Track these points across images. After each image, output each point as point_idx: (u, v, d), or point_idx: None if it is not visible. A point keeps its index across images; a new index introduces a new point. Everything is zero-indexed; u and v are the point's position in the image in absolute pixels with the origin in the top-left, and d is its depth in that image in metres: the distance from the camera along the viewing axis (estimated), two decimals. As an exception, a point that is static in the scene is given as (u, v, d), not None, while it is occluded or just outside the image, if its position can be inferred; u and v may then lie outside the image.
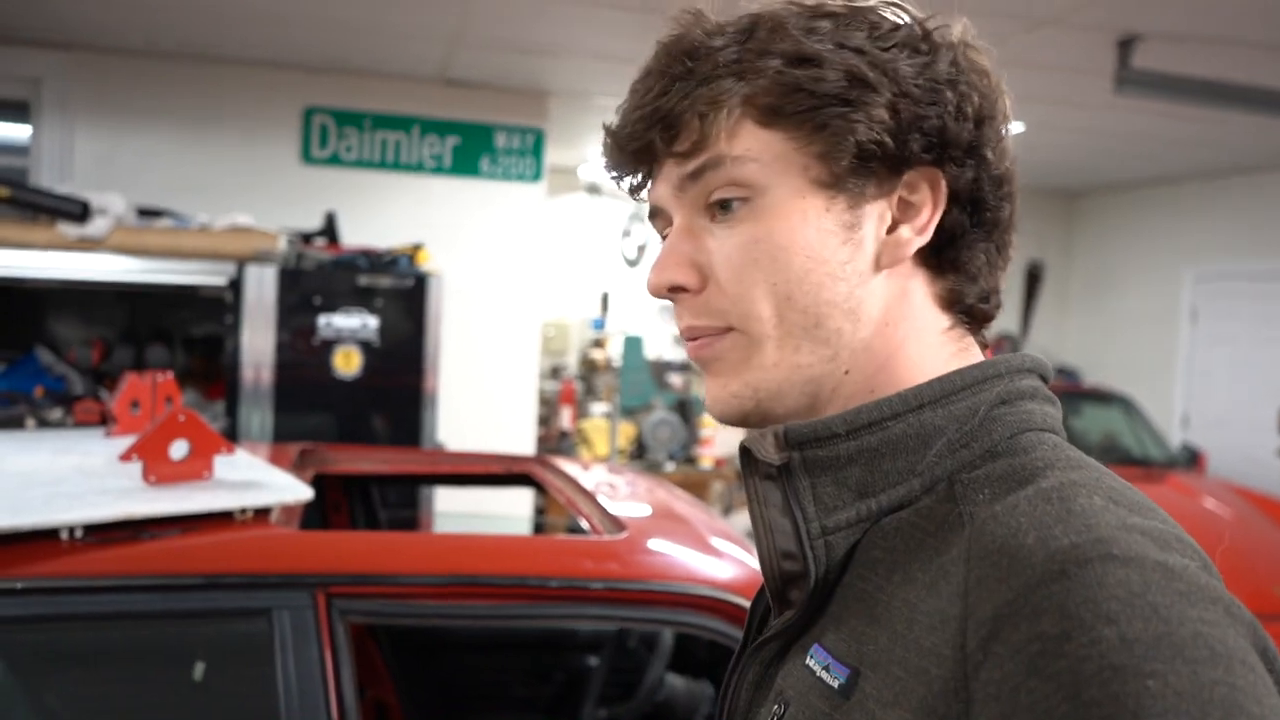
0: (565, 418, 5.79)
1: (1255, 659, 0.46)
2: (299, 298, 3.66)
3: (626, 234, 7.52)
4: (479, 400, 4.79)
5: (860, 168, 0.61)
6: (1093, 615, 0.45)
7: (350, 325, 3.71)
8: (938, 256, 0.64)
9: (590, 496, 2.15)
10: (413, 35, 4.25)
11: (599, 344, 6.87)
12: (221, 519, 1.61)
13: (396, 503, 3.56)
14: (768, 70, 0.61)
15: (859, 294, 0.63)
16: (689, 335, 0.67)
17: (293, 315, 3.66)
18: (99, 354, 3.81)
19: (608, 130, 0.67)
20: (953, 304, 0.65)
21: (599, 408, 6.14)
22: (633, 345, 6.00)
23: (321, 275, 3.71)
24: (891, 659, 0.55)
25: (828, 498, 0.61)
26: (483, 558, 1.61)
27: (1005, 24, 3.71)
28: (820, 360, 0.63)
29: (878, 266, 0.63)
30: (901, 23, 0.64)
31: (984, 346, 0.68)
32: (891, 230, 0.63)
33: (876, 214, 0.63)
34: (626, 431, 5.53)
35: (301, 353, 3.67)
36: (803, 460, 0.61)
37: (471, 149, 4.88)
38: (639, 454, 5.50)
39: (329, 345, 3.70)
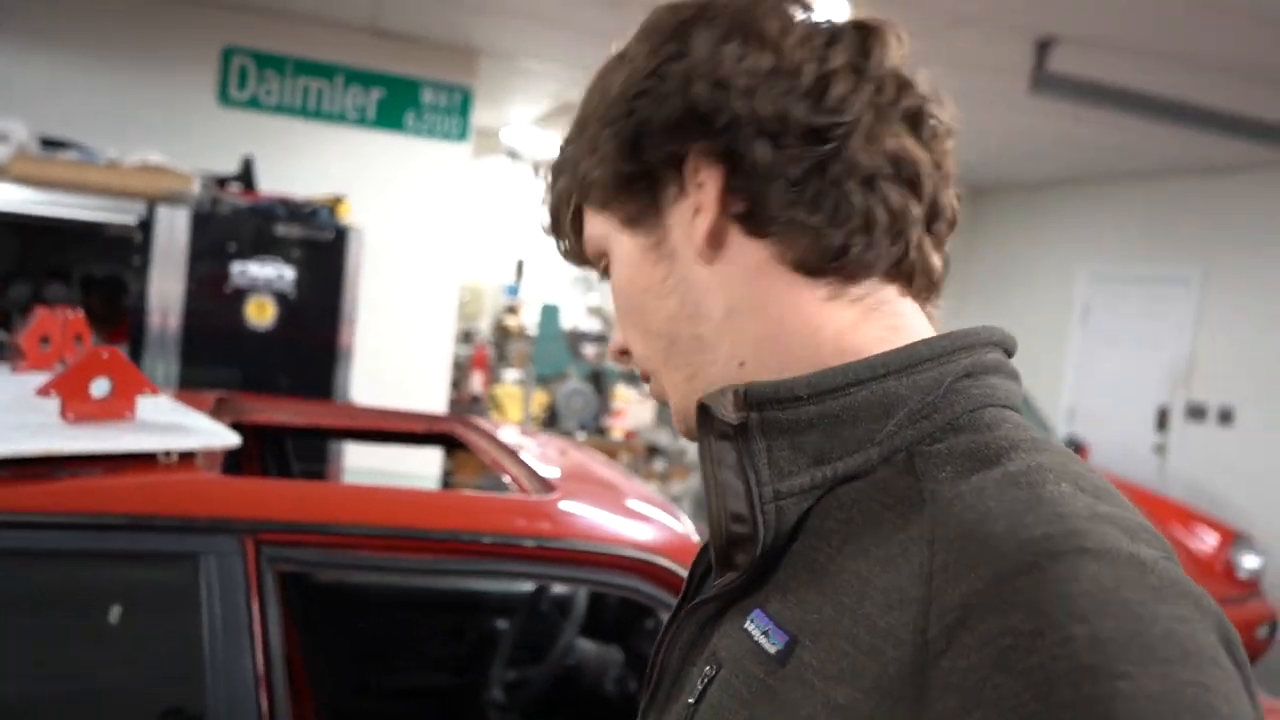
0: (477, 382, 5.75)
1: (1224, 655, 0.46)
2: (212, 243, 3.54)
3: (544, 201, 7.49)
4: (393, 359, 4.72)
5: (631, 194, 0.65)
6: (1065, 612, 0.45)
7: (265, 275, 3.61)
8: (750, 223, 0.62)
9: (516, 457, 2.15)
10: (343, -20, 4.14)
11: (513, 310, 6.84)
12: (145, 461, 1.57)
13: (305, 457, 3.50)
14: (569, 155, 0.69)
15: (692, 297, 0.64)
16: (643, 381, 0.73)
17: (204, 261, 3.55)
18: (-8, 289, 3.64)
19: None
20: (805, 264, 0.62)
21: (511, 374, 6.12)
22: (549, 314, 5.99)
23: (237, 221, 3.60)
24: (837, 631, 0.54)
25: (783, 461, 0.60)
26: (416, 511, 1.61)
27: (927, 20, 3.80)
28: (701, 369, 0.65)
29: (700, 261, 0.64)
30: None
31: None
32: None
33: (680, 216, 0.64)
34: (540, 399, 5.53)
35: (212, 300, 3.56)
36: (761, 421, 0.60)
37: (397, 103, 4.79)
38: (551, 422, 5.50)
39: (242, 294, 3.60)
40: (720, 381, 0.64)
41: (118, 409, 1.68)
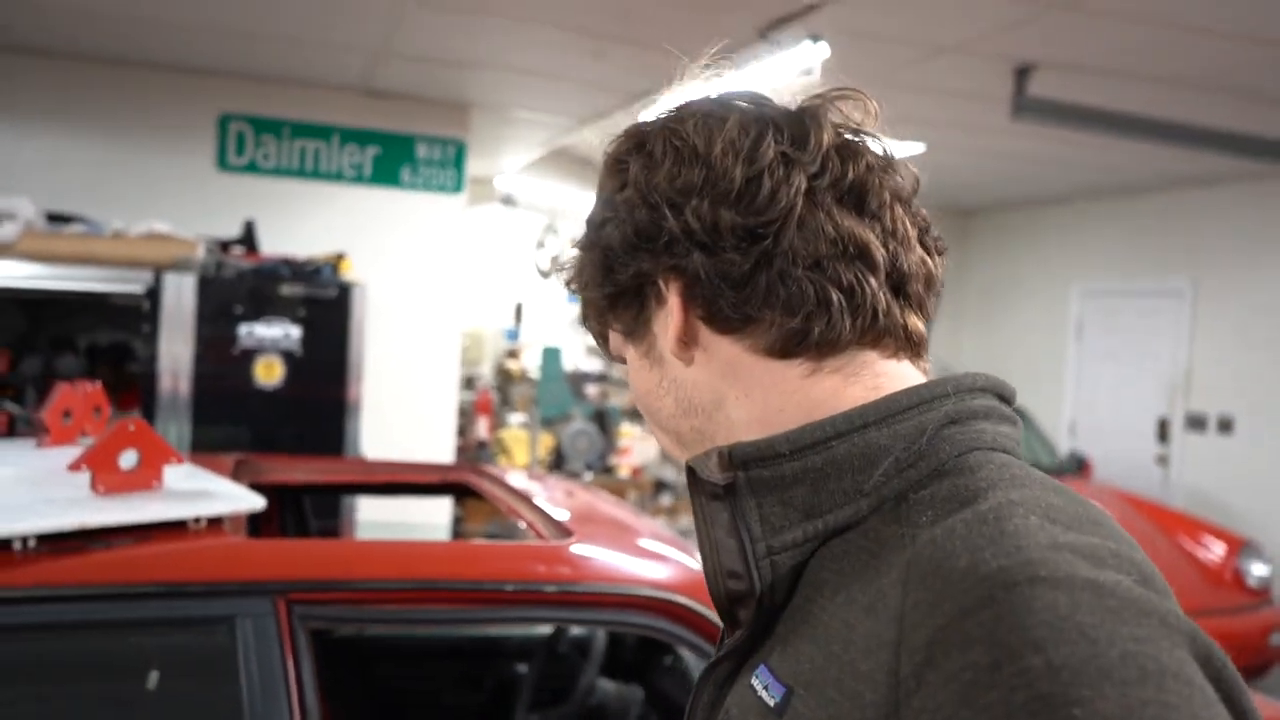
0: (482, 427, 5.80)
1: (1193, 670, 0.46)
2: (218, 306, 3.61)
3: (540, 245, 7.56)
4: (399, 410, 4.78)
5: (616, 311, 0.72)
6: (1020, 642, 0.45)
7: (272, 335, 3.67)
8: (715, 323, 0.67)
9: (531, 503, 2.20)
10: (338, 46, 4.24)
11: (514, 354, 6.90)
12: (175, 528, 1.62)
13: (319, 513, 3.54)
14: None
15: (684, 396, 0.70)
16: None
17: (212, 324, 3.61)
18: (5, 363, 3.69)
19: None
20: (783, 349, 0.65)
21: (516, 418, 6.16)
22: (551, 356, 6.05)
23: (242, 284, 3.67)
24: (826, 679, 0.55)
25: (774, 518, 0.61)
26: (440, 563, 1.65)
27: (908, 50, 3.90)
28: (701, 453, 0.68)
29: (683, 363, 0.69)
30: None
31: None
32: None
33: (661, 325, 0.70)
34: (545, 442, 5.57)
35: (221, 362, 3.62)
36: (748, 480, 0.62)
37: (392, 159, 4.88)
38: (557, 464, 5.54)
39: (250, 355, 3.66)
40: None
41: (146, 479, 1.73)
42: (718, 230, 0.65)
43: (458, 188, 5.01)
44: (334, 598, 1.54)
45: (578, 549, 1.80)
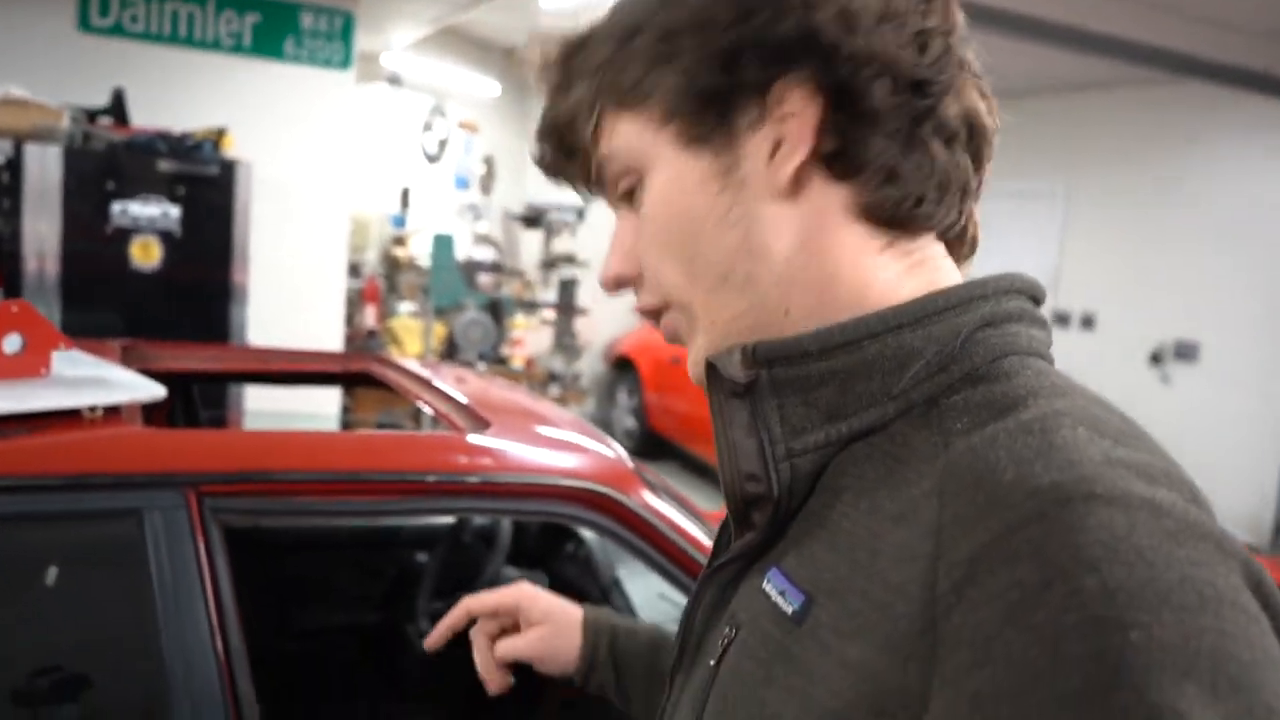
0: (370, 316, 5.64)
1: (1248, 598, 0.45)
2: (87, 181, 3.36)
3: (428, 127, 7.29)
4: (284, 297, 4.59)
5: (708, 112, 0.60)
6: (1074, 562, 0.43)
7: (149, 214, 3.45)
8: (838, 165, 0.59)
9: (443, 394, 2.15)
10: (209, -103, 3.89)
11: (400, 241, 6.69)
12: (69, 418, 1.52)
13: (205, 403, 3.40)
14: (602, 60, 0.63)
15: (757, 232, 0.61)
16: (647, 316, 0.68)
17: (80, 200, 3.36)
18: None
19: (537, 160, 0.71)
20: (876, 213, 0.60)
21: (405, 306, 6.02)
22: (443, 244, 5.89)
23: (113, 158, 3.41)
24: (851, 589, 0.53)
25: (795, 419, 0.58)
26: (359, 454, 1.60)
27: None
28: (748, 309, 0.62)
29: (773, 197, 0.60)
30: None
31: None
32: (774, 154, 0.60)
33: (754, 143, 0.60)
34: (437, 331, 5.47)
35: (92, 242, 3.39)
36: (770, 379, 0.59)
37: (274, 28, 4.56)
38: (450, 353, 5.46)
39: (124, 235, 3.43)
40: (766, 325, 0.62)
41: (33, 365, 1.61)
42: (897, 69, 0.58)
43: (345, 63, 4.74)
44: (248, 489, 1.48)
45: (497, 439, 1.77)
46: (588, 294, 7.37)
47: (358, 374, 2.53)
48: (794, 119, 0.59)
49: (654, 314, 0.68)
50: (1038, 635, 0.42)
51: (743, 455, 0.60)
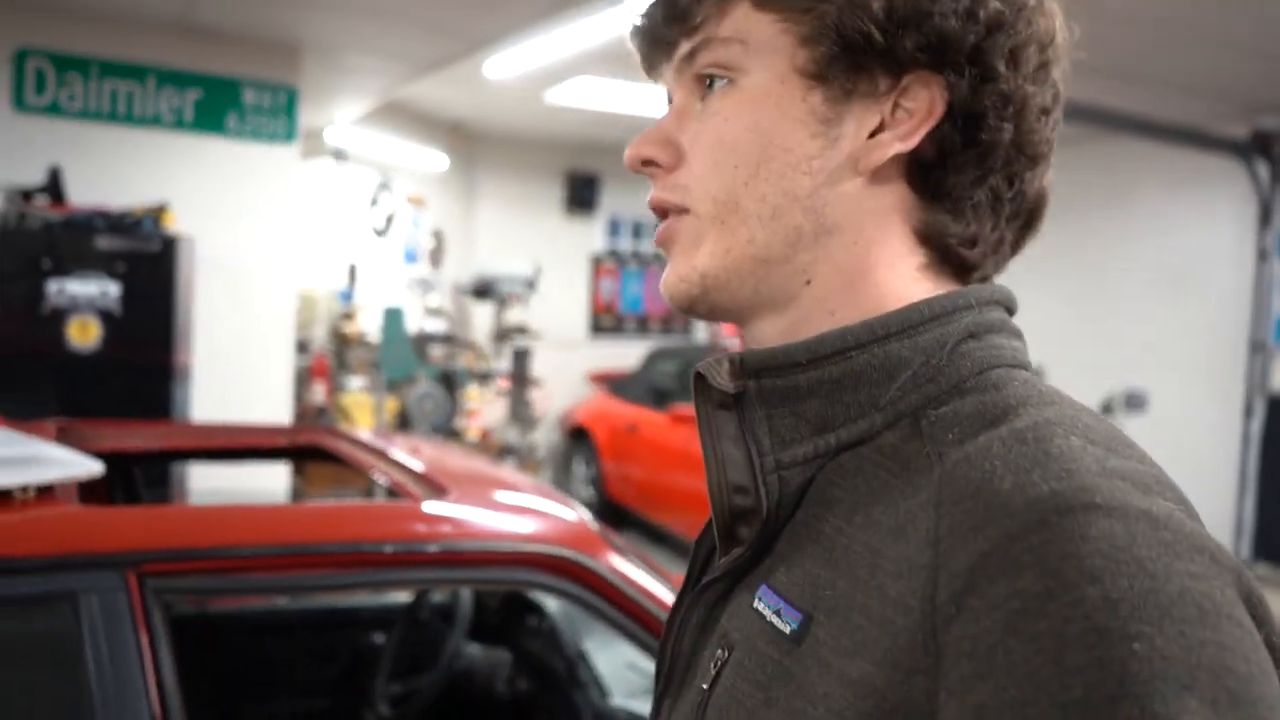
0: (319, 392, 5.53)
1: (1241, 611, 0.45)
2: (22, 261, 3.26)
3: (374, 202, 7.26)
4: (230, 376, 4.48)
5: (845, 59, 0.57)
6: (1076, 572, 0.43)
7: (87, 292, 3.35)
8: (924, 177, 0.59)
9: (396, 462, 2.08)
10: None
11: (349, 316, 6.60)
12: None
13: (147, 484, 3.28)
14: None
15: (824, 193, 0.59)
16: (656, 212, 0.65)
17: (14, 281, 3.26)
18: None
19: (633, 24, 0.65)
20: (932, 238, 0.60)
21: (355, 381, 5.91)
22: (393, 317, 5.82)
23: (49, 236, 3.33)
24: (851, 606, 0.51)
25: (784, 430, 0.57)
26: (311, 525, 1.53)
27: None
28: (776, 257, 0.60)
29: (855, 171, 0.59)
30: None
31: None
32: (875, 134, 0.58)
33: (862, 113, 0.58)
34: (389, 406, 5.37)
35: (26, 323, 3.27)
36: (759, 389, 0.58)
37: (217, 104, 4.52)
38: (403, 427, 5.35)
39: (61, 314, 3.33)
40: (780, 280, 0.60)
41: (-41, 444, 1.52)
42: (1026, 123, 0.59)
43: (289, 137, 4.70)
44: (193, 567, 1.40)
45: (456, 506, 1.71)
46: (541, 364, 7.32)
47: (306, 447, 2.45)
48: (912, 112, 0.58)
49: (662, 211, 0.64)
50: (1040, 645, 0.42)
51: (731, 467, 0.59)
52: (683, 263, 0.62)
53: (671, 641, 0.66)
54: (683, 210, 0.62)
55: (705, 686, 0.60)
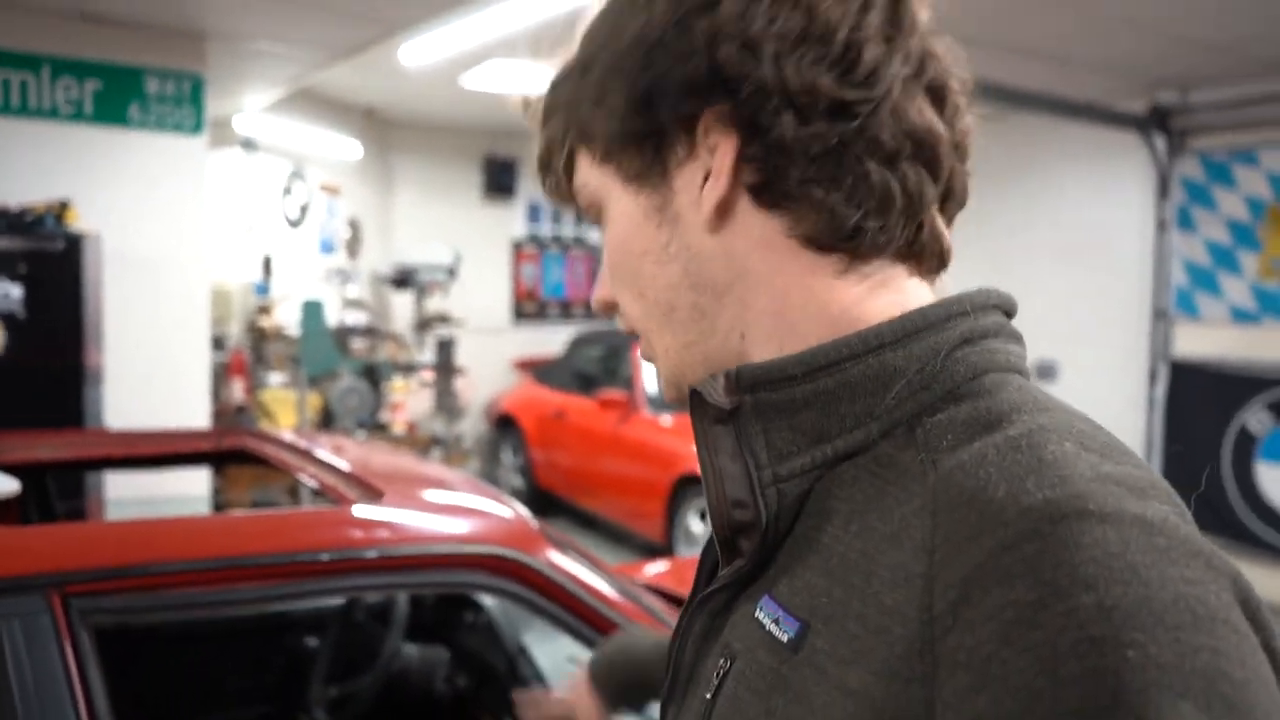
0: (238, 390, 5.39)
1: (1238, 616, 0.45)
2: (-86, 265, 3.10)
3: (288, 192, 7.08)
4: (142, 376, 4.32)
5: (637, 154, 0.61)
6: (1069, 580, 0.43)
7: (-13, 296, 3.20)
8: (764, 195, 0.59)
9: (326, 464, 2.04)
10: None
11: (265, 310, 6.44)
12: (-94, 524, 1.36)
13: (62, 494, 3.15)
14: (567, 96, 0.65)
15: (696, 266, 0.61)
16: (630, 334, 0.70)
17: (-93, 286, 3.09)
18: None
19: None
20: (816, 241, 0.59)
21: (275, 378, 5.77)
22: (313, 311, 5.68)
23: (-57, 238, 3.17)
24: (847, 614, 0.52)
25: (781, 443, 0.58)
26: (242, 537, 1.49)
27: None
28: (701, 338, 0.63)
29: (708, 229, 0.61)
30: None
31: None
32: (704, 188, 0.60)
33: (686, 180, 0.61)
34: (312, 401, 5.26)
35: (-78, 330, 3.12)
36: (755, 404, 0.58)
37: (118, 94, 4.34)
38: (326, 423, 5.25)
39: (-41, 320, 3.18)
40: (719, 352, 0.62)
41: None
42: (814, 94, 0.56)
43: (196, 128, 4.54)
44: (120, 586, 1.35)
45: (392, 509, 1.68)
46: (465, 353, 7.24)
47: (231, 451, 2.39)
48: (715, 152, 0.59)
49: (632, 333, 0.69)
50: (1035, 655, 0.42)
51: (729, 482, 0.59)
52: (659, 370, 0.68)
53: (676, 651, 0.67)
54: (633, 332, 0.69)
55: (708, 696, 0.61)
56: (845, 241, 0.59)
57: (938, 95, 0.61)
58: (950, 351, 0.57)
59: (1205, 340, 5.76)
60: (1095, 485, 0.47)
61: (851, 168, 0.58)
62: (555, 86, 0.67)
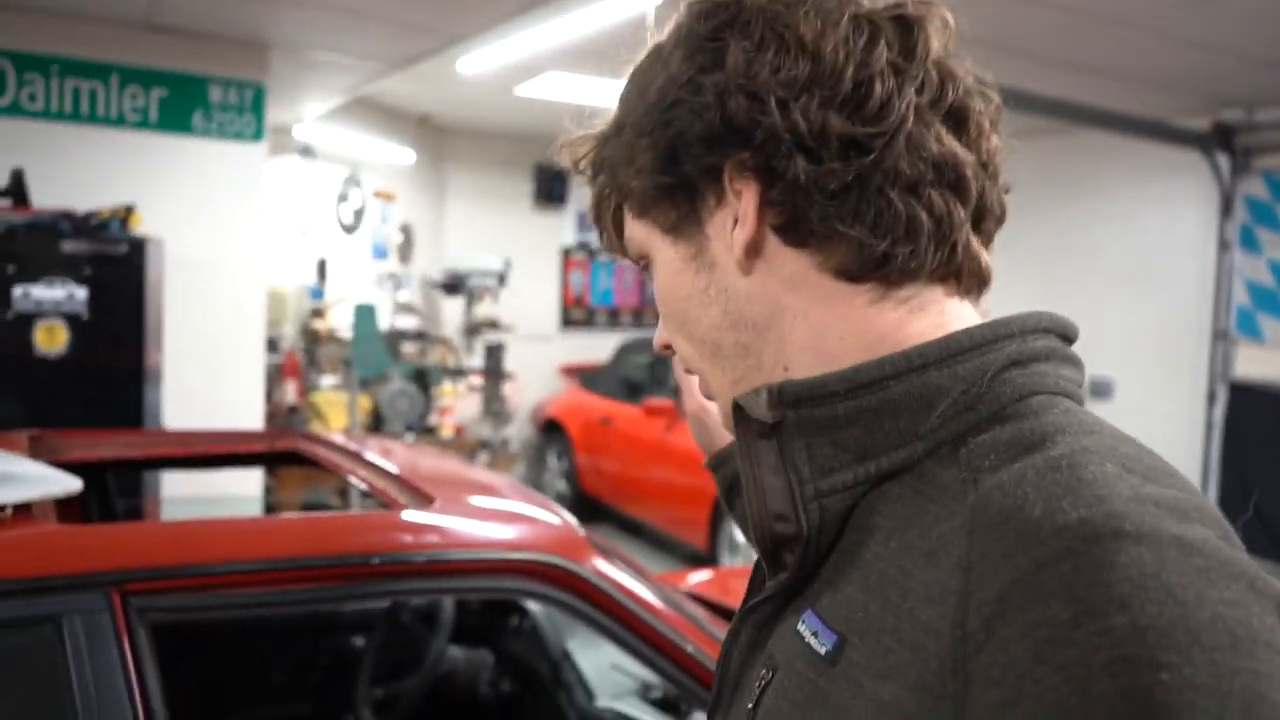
0: (290, 392, 5.48)
1: None
2: (-13, 266, 3.20)
3: (343, 198, 7.19)
4: (200, 377, 4.41)
5: (670, 206, 0.65)
6: (1103, 599, 0.43)
7: (53, 297, 3.29)
8: (790, 234, 0.62)
9: (380, 469, 2.07)
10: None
11: (319, 313, 6.54)
12: (-24, 519, 1.40)
13: (119, 491, 3.23)
14: (607, 155, 0.70)
15: (733, 307, 0.64)
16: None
17: (-21, 287, 3.19)
18: None
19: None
20: (851, 271, 0.61)
21: (327, 380, 5.85)
22: (364, 314, 5.76)
23: (13, 240, 3.26)
24: (882, 627, 0.53)
25: (824, 459, 0.59)
26: (296, 539, 1.52)
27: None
28: (748, 373, 0.65)
29: (743, 271, 0.63)
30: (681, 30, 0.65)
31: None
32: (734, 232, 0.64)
33: (718, 227, 0.64)
34: (362, 404, 5.33)
35: (-8, 329, 3.21)
36: (797, 419, 0.59)
37: (182, 102, 4.45)
38: (376, 426, 5.32)
39: (27, 320, 3.27)
40: (767, 382, 0.63)
41: (-67, 463, 1.49)
42: (825, 135, 0.59)
43: (257, 135, 4.64)
44: (178, 585, 1.38)
45: (441, 515, 1.70)
46: (513, 358, 7.29)
47: (285, 452, 2.43)
48: (741, 198, 0.62)
49: (691, 372, 0.73)
50: (1068, 674, 0.42)
51: (771, 495, 0.60)
52: (719, 406, 0.70)
53: (724, 661, 0.69)
54: (690, 372, 0.72)
55: (750, 706, 0.62)
56: (876, 270, 0.61)
57: (959, 118, 0.62)
58: (998, 373, 0.57)
59: (1266, 362, 5.63)
60: (1133, 506, 0.47)
61: (873, 200, 0.59)
62: (599, 145, 0.71)
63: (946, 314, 0.62)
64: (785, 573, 0.62)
